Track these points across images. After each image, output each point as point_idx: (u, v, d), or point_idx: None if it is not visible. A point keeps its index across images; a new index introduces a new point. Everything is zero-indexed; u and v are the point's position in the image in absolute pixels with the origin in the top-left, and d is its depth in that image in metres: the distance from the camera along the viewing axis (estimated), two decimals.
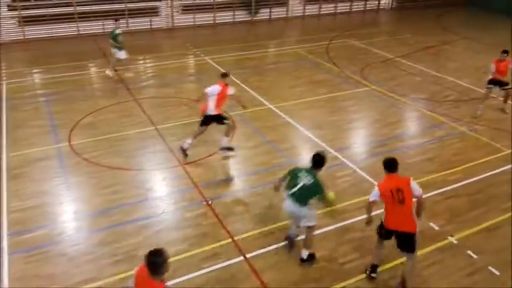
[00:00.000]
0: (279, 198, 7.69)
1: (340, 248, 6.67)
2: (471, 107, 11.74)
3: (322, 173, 8.21)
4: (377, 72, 14.22)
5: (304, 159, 9.27)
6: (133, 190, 7.91)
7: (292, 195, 5.97)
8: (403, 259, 6.13)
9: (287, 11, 21.69)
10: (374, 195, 5.74)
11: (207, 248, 6.53)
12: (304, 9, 22.13)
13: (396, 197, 5.53)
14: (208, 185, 8.10)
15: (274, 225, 7.03)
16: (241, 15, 20.75)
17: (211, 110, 8.54)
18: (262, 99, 11.90)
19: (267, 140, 9.83)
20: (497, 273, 6.26)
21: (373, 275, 6.15)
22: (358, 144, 10.02)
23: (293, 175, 6.04)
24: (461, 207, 7.70)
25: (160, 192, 7.99)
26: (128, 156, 9.06)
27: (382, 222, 5.85)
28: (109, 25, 17.97)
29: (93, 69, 14.54)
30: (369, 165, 8.94)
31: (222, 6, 20.19)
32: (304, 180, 5.90)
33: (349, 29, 19.82)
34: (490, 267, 6.35)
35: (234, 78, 13.38)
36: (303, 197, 5.93)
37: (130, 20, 18.51)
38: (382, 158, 9.02)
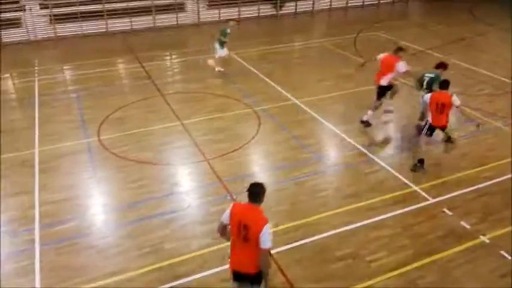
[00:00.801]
0: (304, 193, 7.67)
1: (368, 245, 6.52)
2: (506, 101, 11.30)
3: (351, 170, 8.13)
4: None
5: (331, 155, 9.17)
6: (159, 184, 7.99)
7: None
8: (430, 259, 6.14)
9: (313, 4, 21.39)
10: (425, 100, 8.21)
11: None
12: (330, 1, 21.78)
13: (439, 108, 7.99)
14: (233, 179, 8.08)
15: (299, 222, 6.95)
16: (266, 9, 20.62)
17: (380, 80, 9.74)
18: (287, 94, 11.79)
19: (292, 135, 9.73)
20: None
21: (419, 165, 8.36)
22: (387, 140, 9.78)
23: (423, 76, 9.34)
24: (495, 205, 7.40)
25: (186, 186, 8.04)
26: (155, 150, 9.15)
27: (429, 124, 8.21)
28: (137, 22, 18.32)
29: (121, 66, 14.77)
30: (396, 161, 8.73)
31: (247, 0, 20.11)
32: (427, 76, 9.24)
33: (378, 21, 19.38)
34: None
35: (259, 73, 13.34)
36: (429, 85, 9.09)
37: (157, 17, 18.68)
38: (411, 154, 8.90)
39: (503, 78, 12.71)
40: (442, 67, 9.26)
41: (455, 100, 7.97)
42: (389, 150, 9.29)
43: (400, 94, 11.86)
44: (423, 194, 7.64)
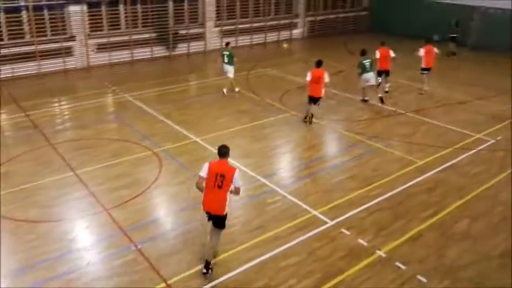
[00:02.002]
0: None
1: (278, 275, 6.68)
2: (383, 123, 12.67)
3: (255, 202, 8.33)
4: (295, 98, 14.79)
5: None
6: (54, 243, 7.34)
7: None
8: (337, 279, 6.51)
9: (205, 44, 22.02)
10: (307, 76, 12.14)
11: None
12: (221, 42, 22.61)
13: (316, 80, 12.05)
14: (136, 228, 7.76)
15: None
16: (159, 51, 20.68)
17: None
18: (187, 133, 11.82)
19: (195, 173, 9.57)
20: (424, 280, 6.63)
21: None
22: (285, 169, 10.27)
23: (363, 65, 13.71)
24: (386, 220, 8.13)
25: (85, 241, 7.50)
26: (47, 206, 8.44)
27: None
28: (19, 69, 17.05)
29: (2, 117, 13.48)
30: (297, 188, 9.19)
31: (139, 42, 19.98)
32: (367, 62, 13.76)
33: (266, 59, 20.55)
34: (418, 276, 6.70)
35: (157, 114, 13.22)
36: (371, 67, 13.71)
37: (42, 62, 17.56)
38: (308, 181, 9.48)
39: (380, 104, 14.26)
40: (366, 53, 13.96)
41: (326, 76, 11.96)
42: (288, 178, 9.75)
43: (291, 125, 12.64)
44: (322, 217, 8.12)
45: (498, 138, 11.73)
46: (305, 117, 12.57)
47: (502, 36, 21.41)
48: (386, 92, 14.93)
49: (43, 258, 6.96)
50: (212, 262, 6.72)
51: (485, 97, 14.67)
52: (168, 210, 8.52)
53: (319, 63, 12.15)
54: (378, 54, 14.61)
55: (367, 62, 13.83)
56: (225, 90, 15.04)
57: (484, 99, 14.67)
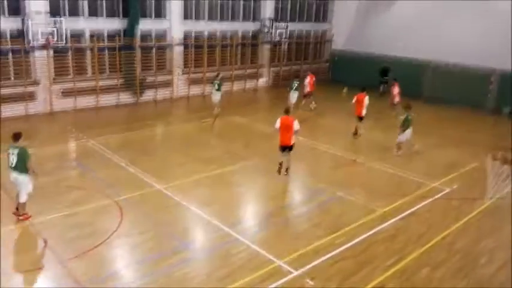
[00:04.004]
0: (174, 284, 7.42)
1: None
2: (345, 172, 13.00)
3: (218, 252, 8.20)
4: (261, 146, 15.02)
5: (198, 239, 9.16)
6: None
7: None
8: None
9: (172, 91, 22.24)
10: (354, 99, 16.21)
11: None
12: (189, 89, 22.95)
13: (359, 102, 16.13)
14: (94, 281, 7.41)
15: None
16: (126, 97, 20.67)
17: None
18: (150, 181, 11.65)
19: (157, 223, 9.52)
20: None
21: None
22: (250, 217, 10.24)
23: (293, 83, 19.71)
24: (350, 269, 8.13)
25: None
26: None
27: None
28: None
29: None
30: (262, 238, 9.14)
31: (105, 88, 19.95)
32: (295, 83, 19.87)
33: (232, 107, 20.91)
34: None
35: (121, 161, 13.02)
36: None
37: (3, 107, 17.11)
38: (273, 230, 9.47)
39: (340, 154, 14.67)
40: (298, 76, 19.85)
41: (367, 99, 15.75)
42: (253, 227, 9.71)
43: (256, 173, 12.69)
44: (287, 267, 8.05)
45: (454, 187, 12.26)
46: (355, 131, 16.31)
47: (452, 89, 22.93)
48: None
49: None
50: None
51: (440, 147, 15.43)
52: (128, 262, 8.21)
53: (363, 89, 16.09)
54: (306, 80, 20.61)
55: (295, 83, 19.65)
56: (218, 111, 18.01)
57: (439, 149, 15.41)
